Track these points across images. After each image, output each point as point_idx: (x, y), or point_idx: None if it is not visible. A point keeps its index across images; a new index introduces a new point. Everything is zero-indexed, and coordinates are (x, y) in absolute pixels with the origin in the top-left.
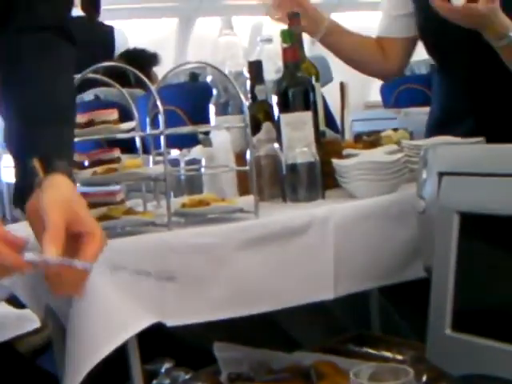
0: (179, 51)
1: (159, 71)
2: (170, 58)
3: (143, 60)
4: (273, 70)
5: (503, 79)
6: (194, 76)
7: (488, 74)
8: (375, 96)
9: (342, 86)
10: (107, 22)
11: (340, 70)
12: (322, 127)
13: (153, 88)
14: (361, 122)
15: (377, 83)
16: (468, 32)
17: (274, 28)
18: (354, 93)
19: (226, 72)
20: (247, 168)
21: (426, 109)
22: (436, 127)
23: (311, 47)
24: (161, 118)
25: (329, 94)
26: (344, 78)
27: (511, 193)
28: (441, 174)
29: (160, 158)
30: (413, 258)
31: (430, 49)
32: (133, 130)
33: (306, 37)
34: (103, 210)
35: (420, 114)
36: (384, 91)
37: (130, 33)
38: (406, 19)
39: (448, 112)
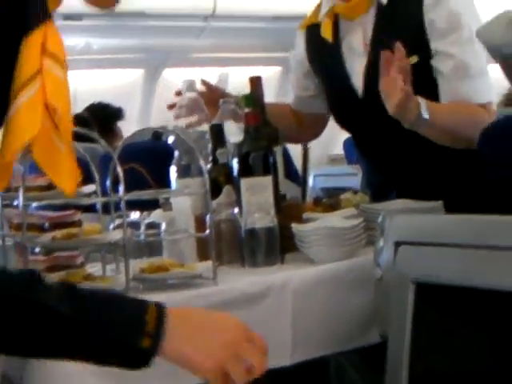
0: (145, 101)
1: (124, 125)
2: (136, 108)
3: (108, 115)
4: (235, 128)
5: (414, 148)
6: (156, 135)
7: (397, 147)
8: (339, 149)
9: (305, 150)
10: (73, 72)
11: None
12: (283, 190)
13: (112, 151)
14: (323, 177)
15: (341, 137)
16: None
17: (239, 81)
18: (318, 146)
19: (189, 133)
20: (206, 234)
21: None
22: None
23: (276, 100)
24: (121, 186)
25: (293, 147)
26: None
27: (466, 263)
28: (397, 243)
29: (120, 221)
30: (371, 324)
31: (342, 127)
32: (94, 192)
33: (270, 89)
34: (62, 274)
35: None
36: (347, 147)
37: (96, 81)
38: (313, 99)
39: (373, 186)
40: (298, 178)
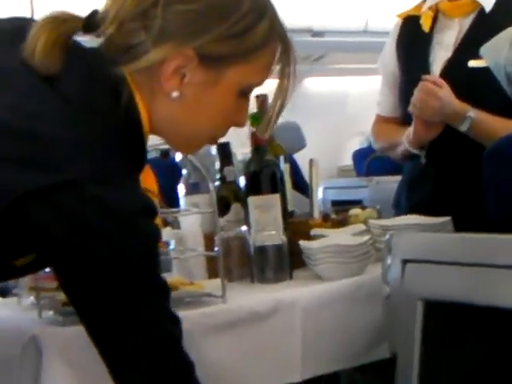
0: None
1: None
2: None
3: None
4: (241, 147)
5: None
6: (164, 152)
7: (464, 147)
8: (348, 160)
9: (311, 164)
10: None
11: (313, 135)
12: (291, 208)
13: None
14: (332, 189)
15: (350, 147)
16: None
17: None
18: (328, 158)
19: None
20: (215, 253)
21: (397, 178)
22: (403, 189)
23: (284, 113)
24: None
25: (302, 159)
26: (317, 143)
27: (474, 281)
28: (405, 261)
29: None
30: (381, 340)
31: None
32: None
33: None
34: None
35: (391, 183)
36: (356, 158)
37: None
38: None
39: (410, 175)
40: (307, 190)
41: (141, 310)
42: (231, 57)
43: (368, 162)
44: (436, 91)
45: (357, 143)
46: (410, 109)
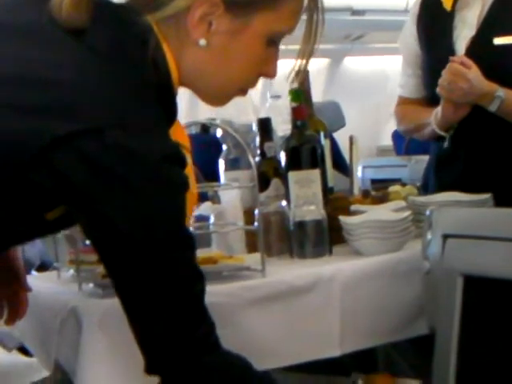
0: (193, 97)
1: None
2: (183, 102)
3: None
4: (282, 124)
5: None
6: (204, 128)
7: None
8: (387, 140)
9: (351, 141)
10: None
11: (353, 114)
12: (331, 183)
13: None
14: (372, 168)
15: (389, 127)
16: None
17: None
18: (367, 137)
19: (236, 126)
20: (255, 227)
21: None
22: (431, 171)
23: (325, 91)
24: None
25: (342, 138)
26: (357, 123)
27: None
28: (445, 236)
29: None
30: (419, 316)
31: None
32: None
33: (318, 81)
34: None
35: None
36: (396, 138)
37: None
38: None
39: (439, 156)
40: (346, 169)
41: (165, 263)
42: (258, 3)
43: (407, 141)
44: (464, 72)
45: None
46: (438, 91)
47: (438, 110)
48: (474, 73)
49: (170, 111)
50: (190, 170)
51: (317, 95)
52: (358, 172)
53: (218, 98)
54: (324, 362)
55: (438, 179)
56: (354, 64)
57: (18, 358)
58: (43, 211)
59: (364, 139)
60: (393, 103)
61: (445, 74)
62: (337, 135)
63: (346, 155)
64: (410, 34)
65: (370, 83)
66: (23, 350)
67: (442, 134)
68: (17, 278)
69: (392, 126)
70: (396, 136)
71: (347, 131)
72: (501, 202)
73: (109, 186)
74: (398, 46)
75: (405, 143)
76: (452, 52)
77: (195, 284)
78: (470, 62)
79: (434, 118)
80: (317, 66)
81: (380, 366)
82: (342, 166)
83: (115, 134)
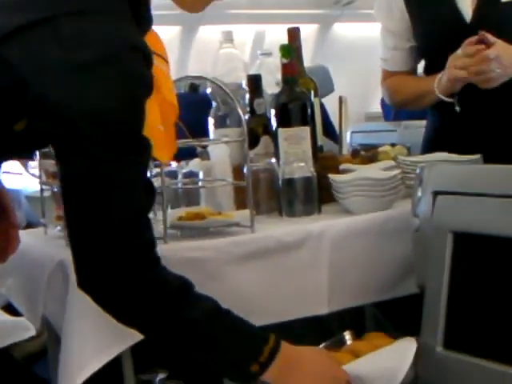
0: (181, 58)
1: None
2: (173, 65)
3: None
4: (272, 83)
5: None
6: (193, 87)
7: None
8: (377, 107)
9: (341, 100)
10: None
11: (342, 80)
12: (320, 142)
13: None
14: (360, 134)
15: (378, 94)
16: None
17: (276, 39)
18: (356, 104)
19: (226, 84)
20: (244, 183)
21: (425, 122)
22: (429, 145)
23: (314, 57)
24: None
25: (330, 104)
26: (346, 89)
27: (505, 213)
28: (435, 193)
29: (158, 170)
30: (407, 274)
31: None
32: None
33: (307, 46)
34: None
35: (419, 128)
36: (384, 104)
37: None
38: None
39: (439, 131)
40: (335, 134)
41: (115, 166)
42: None
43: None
44: (494, 55)
45: None
46: (459, 75)
47: (440, 76)
48: (500, 49)
49: (140, 15)
50: (168, 78)
51: (306, 61)
52: (347, 137)
53: (194, 4)
54: (311, 328)
55: (438, 146)
56: (343, 30)
57: (3, 316)
58: (10, 122)
59: (353, 106)
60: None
61: (471, 62)
62: (326, 101)
63: (335, 121)
64: (394, 4)
65: (359, 49)
66: (10, 310)
67: (448, 100)
68: (5, 215)
69: (381, 93)
70: (384, 102)
71: (336, 97)
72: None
73: (63, 73)
74: (376, 14)
75: (393, 109)
76: (457, 13)
77: (142, 196)
78: (490, 36)
79: (437, 86)
80: (306, 32)
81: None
82: (331, 132)
83: (73, 21)
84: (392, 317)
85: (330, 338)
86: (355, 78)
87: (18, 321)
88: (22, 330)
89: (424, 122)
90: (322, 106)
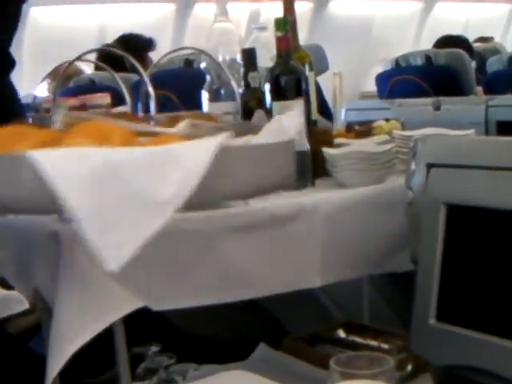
0: (176, 37)
1: (155, 56)
2: (167, 44)
3: (139, 45)
4: (267, 57)
5: None
6: (188, 62)
7: None
8: (371, 86)
9: (335, 76)
10: (102, 6)
11: (336, 59)
12: (315, 116)
13: (144, 73)
14: (354, 111)
15: (373, 73)
16: None
17: (271, 17)
18: (350, 82)
19: (220, 59)
20: None
21: (420, 100)
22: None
23: (308, 36)
24: (152, 104)
25: (325, 82)
26: (341, 68)
27: (499, 186)
28: (429, 166)
29: None
30: (401, 249)
31: None
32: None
33: (302, 26)
34: None
35: (414, 106)
36: (379, 82)
37: (125, 16)
38: None
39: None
40: (329, 113)
41: None
42: None
43: (391, 84)
44: None
45: (380, 69)
46: None
47: None
48: None
49: None
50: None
51: (300, 40)
52: (341, 115)
53: None
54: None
55: None
56: (339, 8)
57: None
58: None
59: (347, 85)
60: (377, 49)
61: None
62: (320, 79)
63: (329, 100)
64: None
65: (354, 28)
66: (1, 284)
67: None
68: None
69: (376, 72)
70: (380, 79)
71: (331, 76)
72: None
73: None
74: None
75: (388, 86)
76: None
77: None
78: None
79: None
80: (301, 10)
81: (363, 314)
82: (325, 111)
83: None
84: (389, 294)
85: None
86: (350, 56)
87: (9, 294)
88: (13, 303)
89: (418, 100)
90: (316, 83)
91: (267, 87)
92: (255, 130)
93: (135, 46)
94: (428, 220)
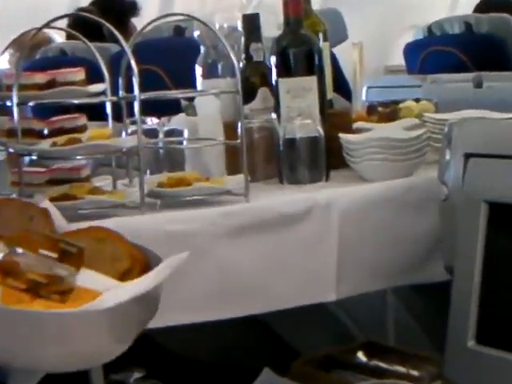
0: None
1: (140, 24)
2: (154, 9)
3: (120, 9)
4: (273, 25)
5: None
6: (178, 30)
7: None
8: (398, 59)
9: (354, 46)
10: None
11: (357, 26)
12: (330, 95)
13: (125, 44)
14: (378, 89)
15: (400, 44)
16: None
17: None
18: (373, 55)
19: (217, 26)
20: (237, 142)
21: (457, 76)
22: None
23: (323, 2)
24: (135, 80)
25: (342, 55)
26: (362, 37)
27: None
28: (467, 156)
29: (134, 128)
30: (432, 255)
31: None
32: (103, 93)
33: None
34: (64, 187)
35: (450, 82)
36: (408, 54)
37: None
38: None
39: None
40: (348, 90)
41: None
42: None
43: (423, 56)
44: None
45: (409, 39)
46: None
47: None
48: None
49: None
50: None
51: (314, 4)
52: (362, 93)
53: None
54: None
55: None
56: None
57: None
58: None
59: (370, 56)
60: (405, 15)
61: None
62: (337, 50)
63: (348, 75)
64: None
65: None
66: None
67: None
68: None
69: (403, 42)
70: (409, 50)
71: (350, 47)
72: None
73: None
74: None
75: (419, 60)
76: None
77: None
78: None
79: None
80: None
81: (387, 332)
82: (343, 88)
83: None
84: (417, 309)
85: None
86: (373, 23)
87: None
88: None
89: (455, 76)
90: (332, 55)
91: (273, 61)
92: None
93: (115, 10)
94: (466, 221)
